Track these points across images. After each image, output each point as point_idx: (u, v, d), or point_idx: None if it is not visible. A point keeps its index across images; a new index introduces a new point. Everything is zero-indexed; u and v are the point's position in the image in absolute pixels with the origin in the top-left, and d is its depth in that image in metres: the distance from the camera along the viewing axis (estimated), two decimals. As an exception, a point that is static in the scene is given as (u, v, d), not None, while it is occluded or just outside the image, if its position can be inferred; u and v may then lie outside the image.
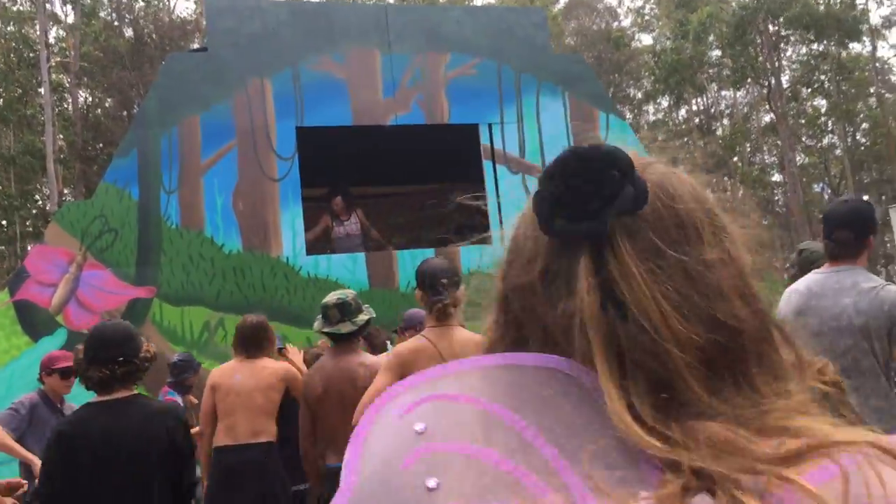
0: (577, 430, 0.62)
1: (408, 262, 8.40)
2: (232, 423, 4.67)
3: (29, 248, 25.78)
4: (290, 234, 8.19)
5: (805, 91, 31.37)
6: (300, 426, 4.27)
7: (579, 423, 0.62)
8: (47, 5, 24.81)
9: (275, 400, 4.76)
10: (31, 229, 24.69)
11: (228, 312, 7.84)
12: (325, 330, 4.32)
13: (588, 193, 0.67)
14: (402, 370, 3.42)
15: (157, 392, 6.69)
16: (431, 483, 0.60)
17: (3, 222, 24.10)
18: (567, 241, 0.68)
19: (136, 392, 3.22)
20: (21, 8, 27.91)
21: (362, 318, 4.31)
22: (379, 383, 3.47)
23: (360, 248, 9.08)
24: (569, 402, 0.64)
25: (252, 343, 4.85)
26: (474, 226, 10.38)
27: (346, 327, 4.25)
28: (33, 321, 7.47)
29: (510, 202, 8.87)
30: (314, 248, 8.67)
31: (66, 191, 24.88)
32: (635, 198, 0.67)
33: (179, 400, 6.36)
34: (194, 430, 5.09)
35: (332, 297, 4.33)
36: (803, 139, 35.44)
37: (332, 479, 4.02)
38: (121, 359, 3.10)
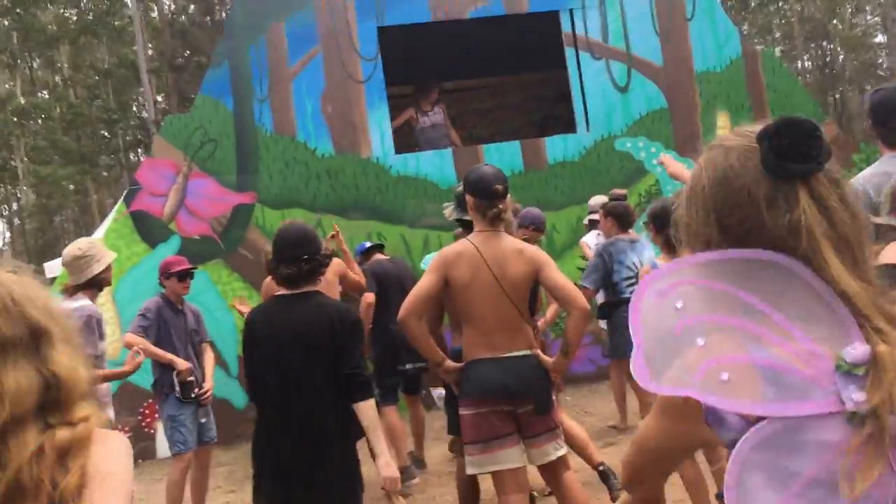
0: (795, 300, 1.05)
1: (493, 156, 8.54)
2: None
3: (131, 156, 26.96)
4: (378, 134, 8.42)
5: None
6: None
7: (796, 296, 1.06)
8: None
9: None
10: (130, 139, 25.72)
11: (325, 213, 8.24)
12: (457, 217, 4.18)
13: (810, 146, 1.09)
14: (445, 270, 3.59)
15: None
16: (700, 341, 1.05)
17: (106, 134, 25.16)
18: (787, 176, 1.10)
19: (316, 290, 3.46)
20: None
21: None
22: (424, 282, 3.60)
23: (445, 140, 9.23)
24: (786, 282, 1.07)
25: None
26: (559, 115, 10.42)
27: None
28: (149, 229, 8.03)
29: (594, 88, 8.83)
30: (401, 144, 8.87)
31: (159, 98, 25.69)
32: (828, 152, 1.12)
33: None
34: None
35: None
36: (911, -5, 32.93)
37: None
38: (305, 257, 3.36)
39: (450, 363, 3.71)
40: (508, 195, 3.72)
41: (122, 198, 8.27)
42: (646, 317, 1.11)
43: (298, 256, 3.36)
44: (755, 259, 1.09)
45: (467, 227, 4.03)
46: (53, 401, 1.26)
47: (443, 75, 9.86)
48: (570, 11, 8.81)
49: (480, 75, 10.64)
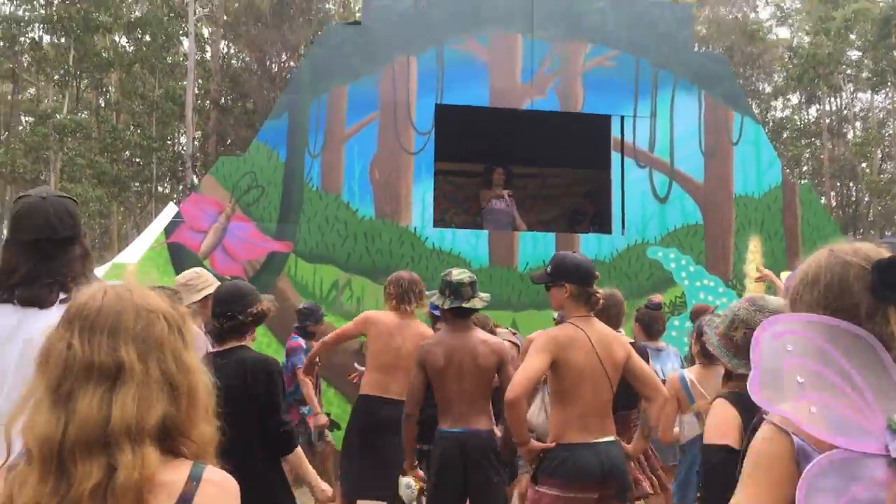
0: (870, 366, 1.41)
1: (528, 244, 8.71)
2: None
3: (159, 188, 27.33)
4: (420, 205, 8.61)
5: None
6: (410, 390, 4.48)
7: (871, 363, 1.41)
8: (197, -42, 25.99)
9: None
10: (164, 170, 26.16)
11: (356, 274, 8.37)
12: (455, 305, 4.44)
13: None
14: (557, 353, 3.72)
15: (286, 336, 7.27)
16: (800, 379, 1.40)
17: (140, 162, 25.60)
18: (889, 301, 1.46)
19: (241, 344, 3.65)
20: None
21: (487, 296, 4.57)
22: (535, 363, 3.69)
23: (509, 225, 9.48)
24: (867, 352, 1.43)
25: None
26: (597, 215, 10.63)
27: (478, 303, 4.48)
28: (183, 263, 8.15)
29: (634, 194, 9.03)
30: (442, 221, 9.06)
31: (196, 134, 26.25)
32: None
33: (303, 343, 6.85)
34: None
35: (463, 276, 4.46)
36: (941, 150, 33.59)
37: (443, 441, 4.32)
38: (229, 314, 3.60)
39: (535, 443, 3.83)
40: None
41: (164, 228, 8.44)
42: (763, 350, 1.46)
43: (223, 313, 3.60)
44: (848, 329, 1.46)
45: (460, 316, 4.39)
46: (112, 436, 1.30)
47: (491, 158, 10.13)
48: (622, 118, 9.08)
49: (526, 164, 10.89)
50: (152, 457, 1.30)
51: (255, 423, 3.46)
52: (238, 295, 3.68)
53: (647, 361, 5.76)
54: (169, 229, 8.28)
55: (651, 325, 5.95)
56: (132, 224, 26.87)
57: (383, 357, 5.26)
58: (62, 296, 2.36)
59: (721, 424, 2.49)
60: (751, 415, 2.40)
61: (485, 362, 4.33)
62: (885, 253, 1.59)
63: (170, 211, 10.26)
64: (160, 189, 27.57)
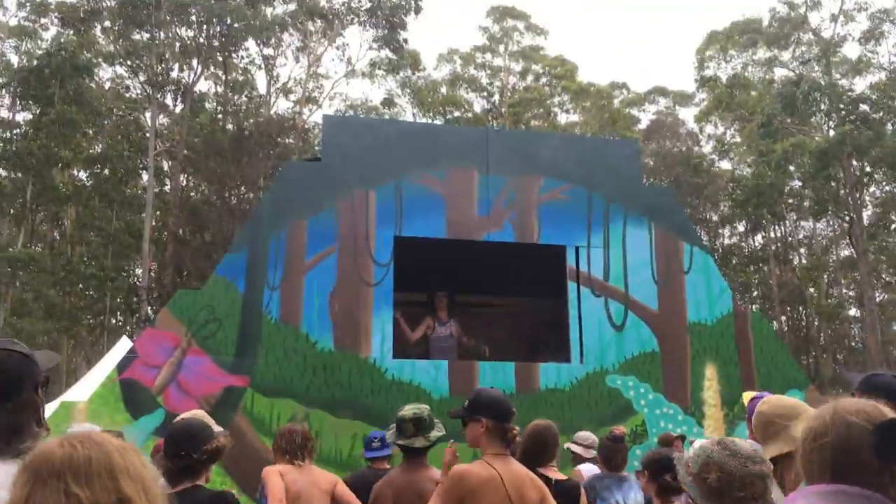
0: None
1: (488, 374, 8.69)
2: None
3: (112, 320, 26.88)
4: (380, 336, 8.60)
5: (888, 228, 30.98)
6: None
7: None
8: (158, 96, 26.68)
9: None
10: (118, 302, 25.80)
11: (315, 407, 8.22)
12: (399, 442, 4.47)
13: None
14: (465, 497, 3.51)
15: (242, 475, 7.04)
16: None
17: (94, 294, 25.27)
18: (891, 460, 1.54)
19: (196, 484, 3.52)
20: (133, 95, 30.06)
21: (435, 434, 4.40)
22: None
23: (454, 352, 9.47)
24: None
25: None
26: (555, 344, 10.68)
27: (419, 442, 4.34)
28: (136, 400, 7.96)
29: (591, 322, 9.15)
30: (398, 350, 9.03)
31: (153, 266, 26.10)
32: None
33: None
34: None
35: (408, 411, 4.40)
36: (884, 276, 34.79)
37: None
38: (183, 453, 3.46)
39: None
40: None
41: (116, 364, 8.26)
42: None
43: (176, 453, 3.47)
44: (860, 494, 1.55)
45: (410, 454, 4.28)
46: None
47: (449, 288, 10.23)
48: (577, 248, 9.32)
49: (484, 294, 11.01)
50: None
51: None
52: (190, 432, 3.58)
53: (596, 497, 5.69)
54: (122, 365, 8.11)
55: (611, 458, 5.92)
56: (83, 358, 26.20)
57: None
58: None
59: None
60: None
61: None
62: (887, 412, 1.67)
63: (123, 345, 10.08)
64: (113, 321, 27.11)
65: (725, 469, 2.45)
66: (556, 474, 4.72)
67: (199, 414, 4.85)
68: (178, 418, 4.74)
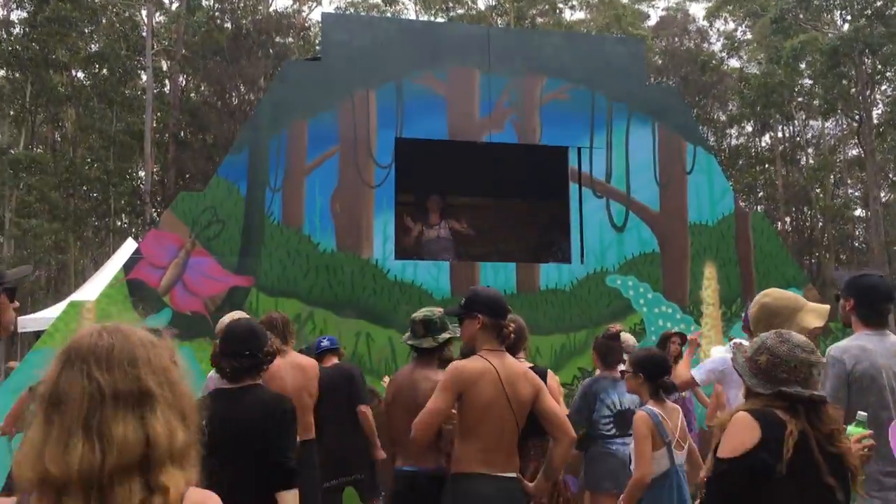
0: None
1: (489, 274, 8.79)
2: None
3: (118, 222, 27.04)
4: (382, 238, 8.66)
5: (896, 128, 30.59)
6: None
7: None
8: (155, -7, 26.02)
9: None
10: (122, 205, 25.89)
11: (318, 307, 8.37)
12: (410, 342, 4.62)
13: None
14: (463, 388, 3.73)
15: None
16: None
17: (98, 196, 25.34)
18: None
19: (257, 382, 3.68)
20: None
21: (444, 336, 4.53)
22: (440, 401, 3.74)
23: (449, 253, 9.55)
24: None
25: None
26: (556, 244, 10.78)
27: (427, 342, 4.50)
28: (143, 299, 8.10)
29: (592, 224, 9.19)
30: (404, 252, 9.12)
31: (155, 168, 26.06)
32: None
33: None
34: None
35: (420, 313, 4.60)
36: (891, 175, 34.59)
37: (400, 481, 4.32)
38: (247, 353, 3.61)
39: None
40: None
41: (123, 265, 8.37)
42: None
43: (241, 352, 3.61)
44: None
45: (420, 353, 4.51)
46: (150, 460, 1.41)
47: (450, 190, 10.24)
48: (579, 150, 9.26)
49: (485, 195, 11.02)
50: (180, 477, 1.45)
51: (263, 459, 3.44)
52: (254, 334, 3.74)
53: (595, 399, 5.85)
54: (128, 266, 8.22)
55: (607, 355, 6.04)
56: (90, 259, 26.50)
57: None
58: None
59: (743, 435, 2.56)
60: (771, 430, 2.54)
61: (424, 398, 4.30)
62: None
63: (128, 247, 10.21)
64: (118, 224, 27.28)
65: (775, 352, 2.67)
66: (525, 364, 4.85)
67: (244, 315, 5.01)
68: (229, 320, 4.84)
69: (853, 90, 28.56)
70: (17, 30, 25.36)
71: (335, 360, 6.89)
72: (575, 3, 37.41)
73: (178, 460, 1.45)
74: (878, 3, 25.36)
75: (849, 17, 27.15)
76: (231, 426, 3.41)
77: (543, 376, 4.90)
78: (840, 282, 3.65)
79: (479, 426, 3.75)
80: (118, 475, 1.37)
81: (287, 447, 3.51)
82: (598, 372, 6.18)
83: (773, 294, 3.32)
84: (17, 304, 2.88)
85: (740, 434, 2.56)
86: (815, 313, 3.20)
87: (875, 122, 29.64)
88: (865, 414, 2.30)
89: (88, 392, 1.41)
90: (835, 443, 2.57)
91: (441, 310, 4.73)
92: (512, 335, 3.99)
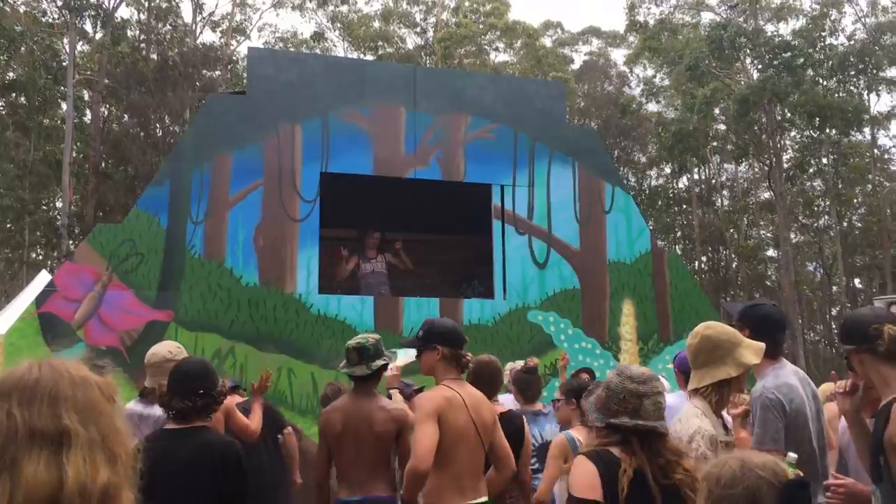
0: None
1: (412, 309, 8.84)
2: None
3: (32, 255, 26.13)
4: (305, 272, 8.63)
5: (805, 172, 32.08)
6: (316, 458, 4.60)
7: None
8: (77, 21, 25.51)
9: None
10: (37, 236, 25.06)
11: (240, 342, 8.27)
12: (345, 370, 4.64)
13: None
14: (441, 415, 3.78)
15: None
16: None
17: (11, 227, 24.47)
18: None
19: (205, 425, 3.46)
20: (51, 20, 28.69)
21: (378, 363, 4.51)
22: (429, 430, 3.71)
23: (385, 287, 9.62)
24: None
25: None
26: (479, 280, 10.89)
27: (360, 370, 4.47)
28: (55, 333, 7.86)
29: (515, 260, 9.36)
30: (324, 285, 9.10)
31: (74, 199, 25.34)
32: None
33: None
34: None
35: (353, 340, 4.58)
36: (800, 218, 36.16)
37: None
38: (201, 391, 3.41)
39: None
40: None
41: (35, 298, 8.12)
42: None
43: (195, 390, 3.41)
44: None
45: (357, 381, 4.51)
46: (59, 501, 1.35)
47: (375, 225, 10.29)
48: (502, 187, 9.46)
49: (410, 231, 11.11)
50: None
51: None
52: (208, 370, 3.55)
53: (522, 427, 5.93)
54: (40, 299, 7.97)
55: (526, 389, 6.10)
56: (1, 292, 25.49)
57: None
58: None
59: (584, 478, 2.65)
60: (607, 469, 2.60)
61: (382, 429, 4.36)
62: (787, 470, 1.91)
63: (42, 279, 9.88)
64: (33, 255, 26.36)
65: (608, 385, 2.77)
66: (500, 408, 4.89)
67: (176, 346, 4.83)
68: (156, 352, 4.67)
69: (763, 136, 29.87)
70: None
71: (238, 398, 6.70)
72: (500, 45, 38.27)
73: (98, 502, 1.38)
74: (787, 55, 26.71)
75: (759, 67, 28.49)
76: (182, 467, 3.23)
77: (518, 421, 5.03)
78: (733, 312, 3.80)
79: (451, 453, 3.78)
80: None
81: (241, 496, 3.35)
82: (517, 406, 6.23)
83: (714, 327, 3.39)
84: None
85: (582, 477, 2.64)
86: (752, 349, 3.28)
87: (784, 166, 31.03)
88: (796, 455, 2.34)
89: (5, 427, 1.37)
90: (669, 474, 2.62)
91: (377, 336, 4.72)
92: (469, 363, 4.09)
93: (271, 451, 6.29)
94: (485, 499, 3.89)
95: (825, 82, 28.96)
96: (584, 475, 2.64)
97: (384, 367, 4.63)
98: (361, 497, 4.25)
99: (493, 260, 9.36)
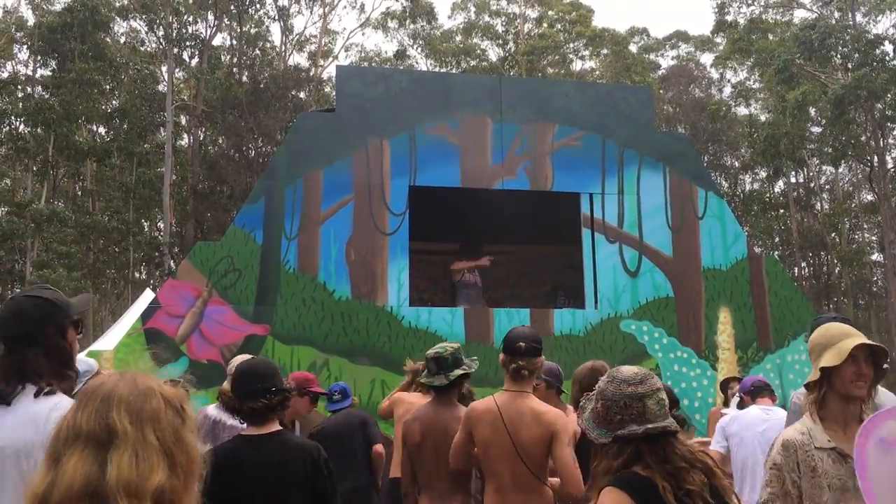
0: None
1: (503, 320, 8.81)
2: None
3: (136, 274, 27.28)
4: (396, 285, 8.73)
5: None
6: (402, 469, 4.59)
7: None
8: (175, 50, 26.65)
9: None
10: (140, 256, 26.16)
11: (333, 354, 8.42)
12: (424, 380, 4.62)
13: None
14: (470, 427, 3.86)
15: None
16: None
17: (117, 248, 25.63)
18: None
19: (280, 428, 3.42)
20: (148, 48, 30.05)
21: (456, 372, 4.44)
22: (457, 437, 3.92)
23: (479, 299, 9.66)
24: None
25: None
26: (570, 290, 10.78)
27: (438, 380, 4.43)
28: (160, 348, 8.17)
29: (606, 269, 9.22)
30: (415, 297, 9.18)
31: (173, 220, 26.38)
32: None
33: None
34: None
35: (432, 350, 4.51)
36: (906, 220, 34.39)
37: None
38: (274, 389, 3.34)
39: None
40: (541, 356, 3.98)
41: (140, 314, 8.47)
42: (875, 471, 1.29)
43: (266, 389, 3.33)
44: None
45: (436, 391, 4.42)
46: (103, 496, 1.40)
47: (464, 237, 10.33)
48: (591, 196, 9.35)
49: (499, 242, 11.10)
50: None
51: None
52: (275, 368, 3.48)
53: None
54: (145, 315, 8.31)
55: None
56: (108, 311, 26.69)
57: None
58: (33, 390, 2.36)
59: None
60: (644, 496, 2.28)
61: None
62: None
63: (146, 297, 10.29)
64: (136, 275, 27.51)
65: (604, 395, 2.48)
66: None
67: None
68: (237, 362, 4.84)
69: (863, 137, 28.62)
70: (41, 87, 26.01)
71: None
72: (584, 53, 37.97)
73: (151, 501, 1.41)
74: (880, 50, 25.56)
75: (850, 65, 27.33)
76: (269, 473, 3.21)
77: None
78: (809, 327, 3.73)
79: (487, 466, 3.81)
80: None
81: (335, 494, 3.32)
82: None
83: (820, 329, 3.19)
84: (80, 335, 2.79)
85: None
86: (856, 338, 3.07)
87: (889, 166, 29.64)
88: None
89: (59, 428, 1.47)
90: (681, 484, 2.32)
91: (456, 344, 4.69)
92: (524, 373, 3.98)
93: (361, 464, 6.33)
94: None
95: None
96: None
97: (464, 376, 4.58)
98: None
99: (583, 269, 9.25)
